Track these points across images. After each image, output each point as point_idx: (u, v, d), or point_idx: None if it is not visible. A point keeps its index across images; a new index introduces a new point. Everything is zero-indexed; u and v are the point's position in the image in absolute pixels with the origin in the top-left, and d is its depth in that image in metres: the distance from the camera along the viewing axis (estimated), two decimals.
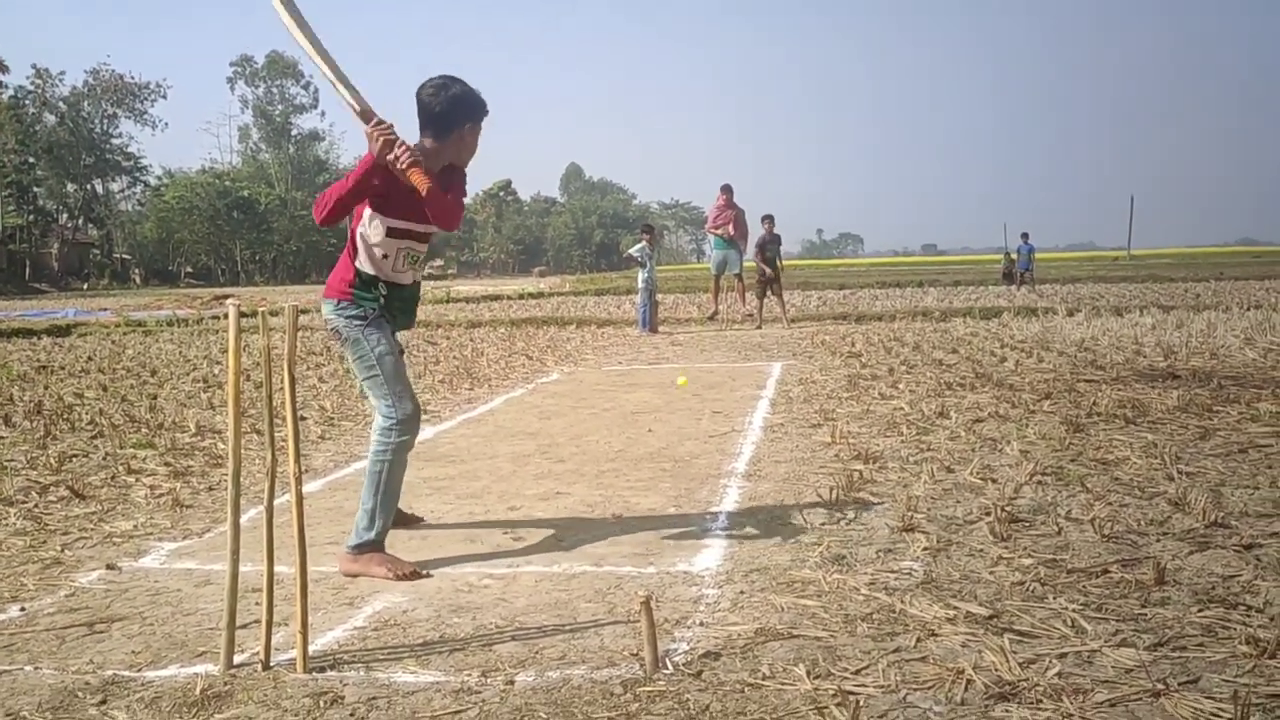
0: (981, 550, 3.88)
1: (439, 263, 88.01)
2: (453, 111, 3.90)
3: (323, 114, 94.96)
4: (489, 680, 2.84)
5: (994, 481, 4.96)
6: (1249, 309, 16.03)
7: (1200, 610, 3.16)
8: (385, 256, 3.92)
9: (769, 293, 16.95)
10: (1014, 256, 28.81)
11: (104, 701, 2.78)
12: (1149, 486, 4.77)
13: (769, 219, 17.46)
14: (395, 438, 3.91)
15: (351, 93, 3.81)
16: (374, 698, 2.75)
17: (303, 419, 7.41)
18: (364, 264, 3.93)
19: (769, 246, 17.00)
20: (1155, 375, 8.56)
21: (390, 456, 3.91)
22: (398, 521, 4.24)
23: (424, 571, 3.86)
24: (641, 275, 16.07)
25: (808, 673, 2.78)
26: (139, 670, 3.01)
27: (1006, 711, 2.52)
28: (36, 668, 3.04)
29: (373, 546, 3.88)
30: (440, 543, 4.32)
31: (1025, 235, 27.81)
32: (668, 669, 2.85)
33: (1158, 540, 3.93)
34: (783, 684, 2.73)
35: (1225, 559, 3.68)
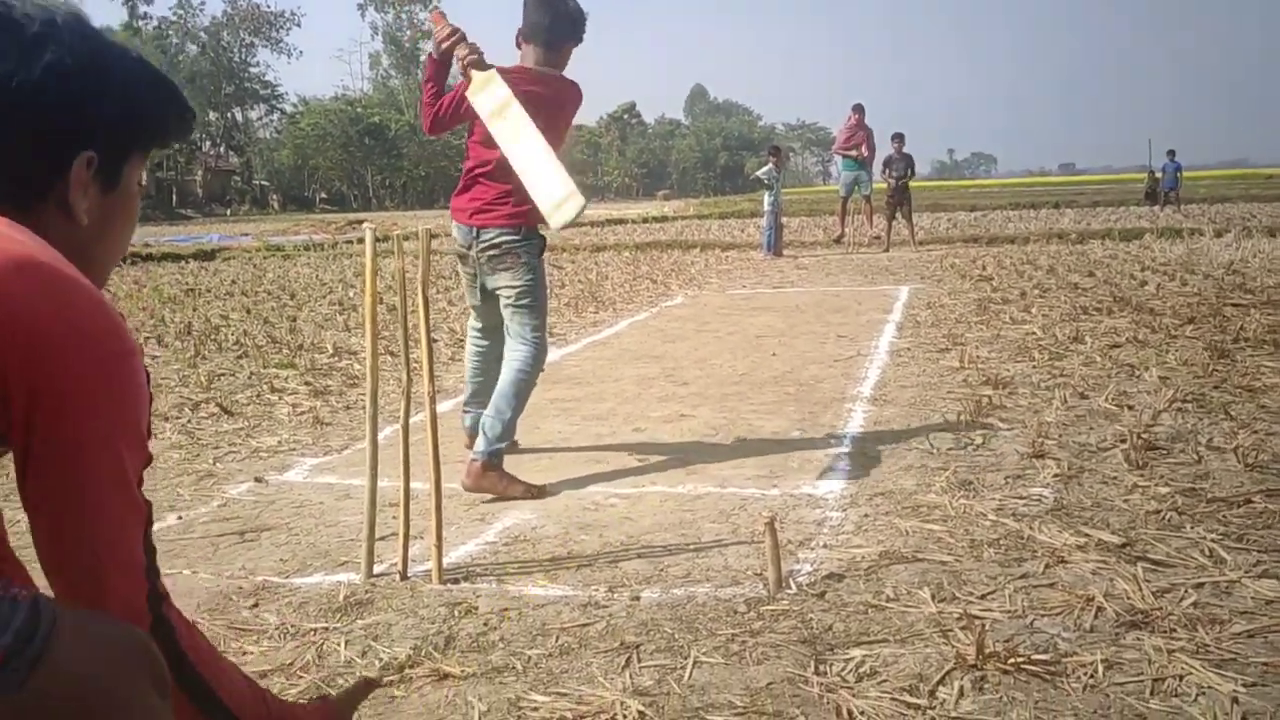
0: (1115, 478, 3.78)
1: None
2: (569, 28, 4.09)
3: None
4: (615, 595, 2.92)
5: (1130, 408, 4.81)
6: None
7: None
8: None
9: (897, 215, 16.57)
10: (1158, 175, 27.50)
11: (256, 605, 2.95)
12: None
13: (899, 137, 16.99)
14: (539, 359, 4.11)
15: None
16: (505, 609, 2.85)
17: (434, 341, 7.60)
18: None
19: (895, 164, 16.57)
20: None
21: (532, 376, 4.10)
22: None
23: (549, 491, 3.95)
24: (767, 198, 15.89)
25: (932, 596, 2.78)
26: (287, 577, 3.18)
27: (1138, 639, 2.48)
28: (195, 572, 3.25)
29: (498, 461, 3.95)
30: (567, 462, 4.42)
31: (1171, 153, 26.47)
32: (791, 589, 2.88)
33: None
34: (906, 607, 2.73)
35: None
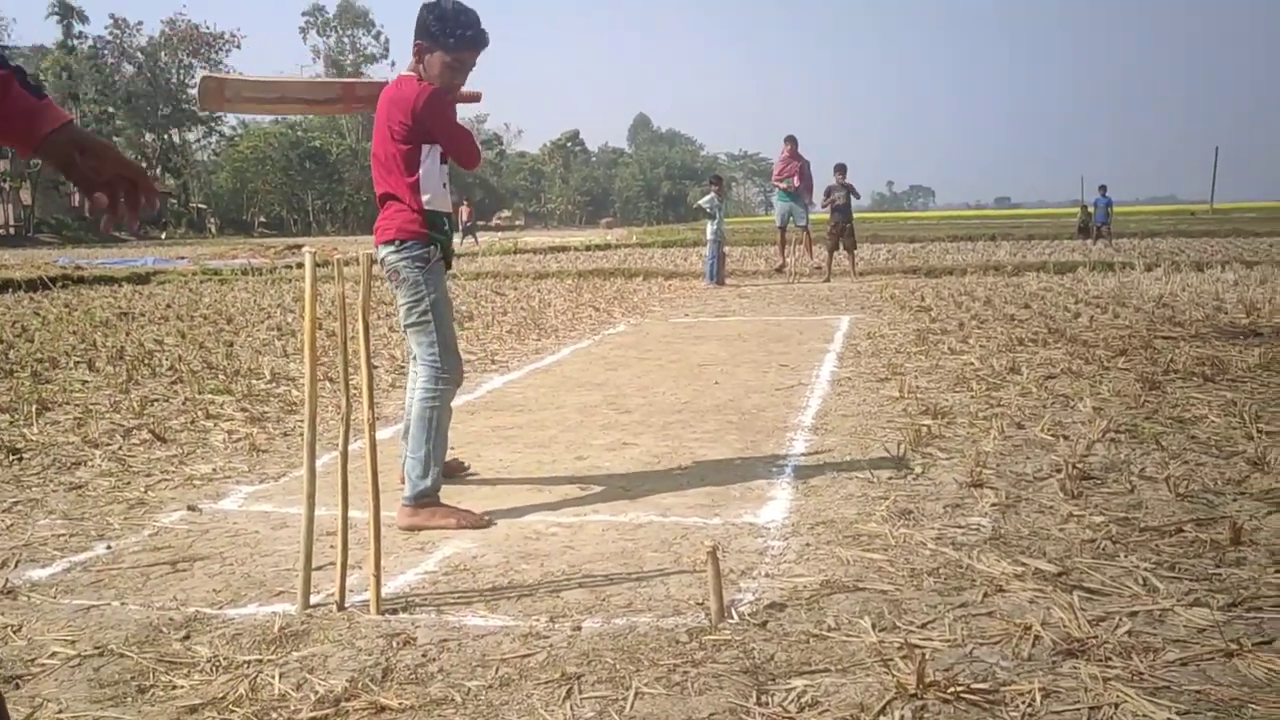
0: (1051, 507, 3.84)
1: (506, 214, 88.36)
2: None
3: (393, 64, 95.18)
4: (557, 625, 2.89)
5: (1065, 438, 4.89)
6: None
7: (1277, 571, 3.10)
8: (444, 185, 3.98)
9: (839, 245, 16.77)
10: (1090, 210, 28.12)
11: (187, 636, 2.88)
12: (1227, 445, 4.67)
13: (841, 168, 17.22)
14: (442, 385, 3.95)
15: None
16: (445, 640, 2.81)
17: (375, 367, 7.53)
18: (429, 199, 3.93)
19: (836, 193, 16.78)
20: (1236, 332, 8.33)
21: (439, 402, 3.95)
22: (447, 470, 4.22)
23: (488, 520, 3.91)
24: (710, 227, 15.99)
25: (873, 625, 2.79)
26: (220, 608, 3.11)
27: (1074, 668, 2.51)
28: (123, 603, 3.16)
29: (430, 497, 3.90)
30: (508, 491, 4.38)
31: (1103, 188, 27.09)
32: (733, 619, 2.87)
33: (1234, 500, 3.86)
34: (848, 636, 2.74)
35: None
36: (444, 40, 3.90)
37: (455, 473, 4.54)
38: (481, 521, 3.88)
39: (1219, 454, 4.54)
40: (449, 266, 4.12)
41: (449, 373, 3.97)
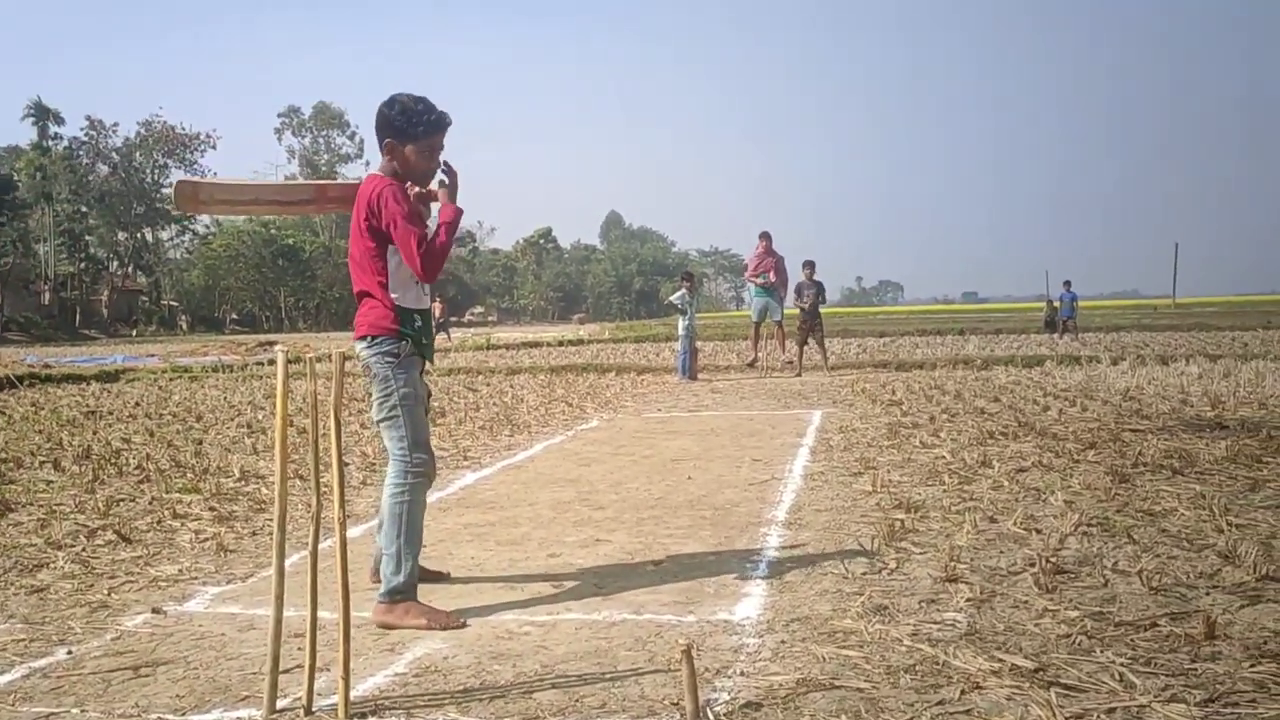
0: (1026, 602, 3.83)
1: (479, 309, 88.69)
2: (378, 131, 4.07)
3: (367, 163, 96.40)
4: None
5: (1038, 532, 4.90)
6: None
7: (1252, 665, 3.10)
8: (417, 281, 4.01)
9: (809, 340, 16.93)
10: (1056, 304, 28.60)
11: None
12: (1197, 538, 4.69)
13: (809, 265, 17.47)
14: (411, 479, 3.95)
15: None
16: None
17: (346, 464, 7.47)
18: (400, 296, 3.98)
19: (805, 292, 17.01)
20: (1202, 425, 8.43)
21: (409, 497, 3.94)
22: (425, 578, 4.21)
23: (461, 620, 3.86)
24: (682, 323, 16.12)
25: None
26: (183, 714, 3.03)
27: None
28: (83, 711, 3.08)
29: (405, 593, 3.87)
30: (480, 590, 4.33)
31: (1068, 283, 27.61)
32: (709, 719, 2.83)
33: (1207, 594, 3.86)
34: None
35: (1278, 612, 3.60)
36: (411, 132, 4.00)
37: (436, 580, 4.44)
38: (455, 622, 3.82)
39: (1190, 547, 4.56)
40: (428, 362, 4.16)
41: (419, 468, 3.97)
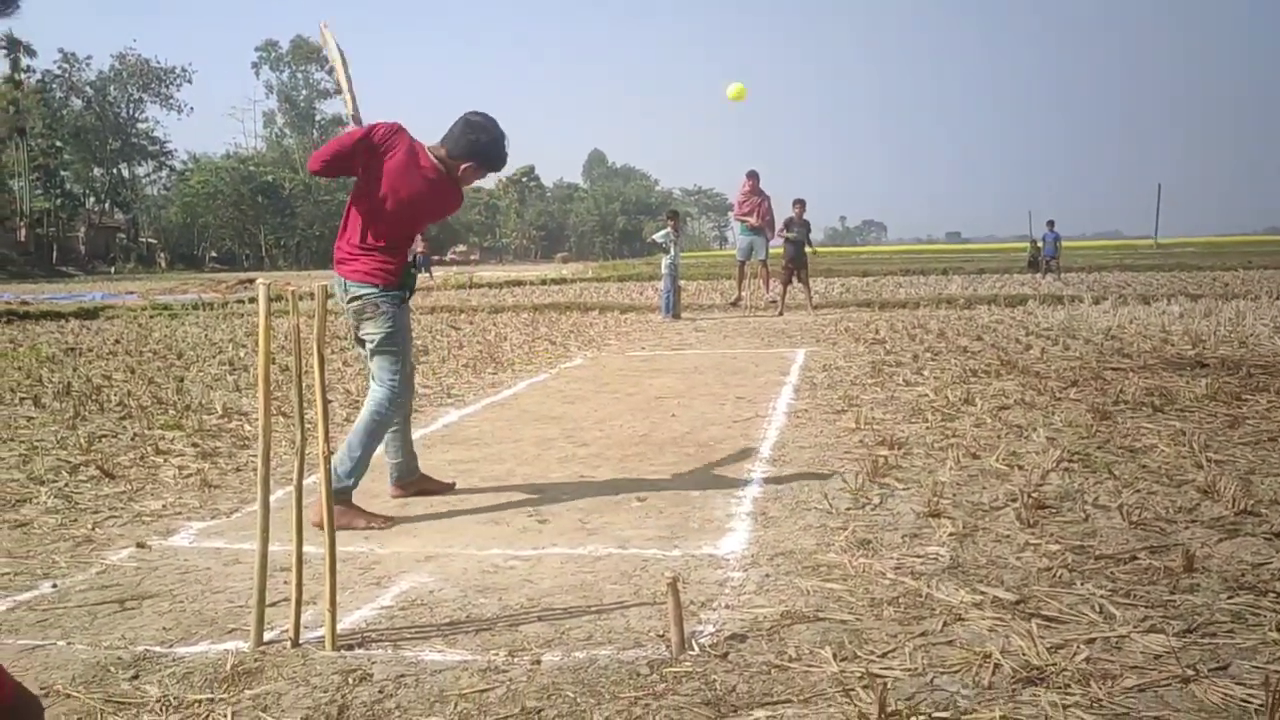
0: (1008, 536, 3.86)
1: (461, 248, 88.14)
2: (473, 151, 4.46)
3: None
4: (515, 660, 2.86)
5: (1020, 468, 4.94)
6: (1278, 297, 15.85)
7: (1230, 597, 3.14)
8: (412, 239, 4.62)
9: (795, 279, 16.90)
10: (1039, 245, 28.60)
11: (136, 676, 2.81)
12: (1177, 474, 4.74)
13: (800, 202, 17.35)
14: (393, 408, 4.44)
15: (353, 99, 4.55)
16: (401, 675, 2.77)
17: (330, 401, 7.44)
18: (404, 253, 4.48)
19: (794, 228, 16.93)
20: (1183, 363, 8.48)
21: (389, 413, 4.43)
22: (432, 489, 4.83)
23: (391, 521, 4.30)
24: (665, 261, 16.05)
25: (834, 655, 2.78)
26: (170, 646, 3.04)
27: (1035, 695, 2.51)
28: (70, 643, 3.08)
29: (345, 496, 4.25)
30: (465, 525, 4.34)
31: (1051, 223, 27.57)
32: (694, 650, 2.85)
33: (1186, 528, 3.91)
34: (809, 666, 2.73)
35: (1255, 546, 3.65)
36: (478, 157, 4.52)
37: (443, 491, 4.90)
38: (388, 524, 4.26)
39: (1170, 482, 4.60)
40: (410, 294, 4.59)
41: (405, 393, 4.50)
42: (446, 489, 4.90)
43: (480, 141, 4.42)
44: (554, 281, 29.77)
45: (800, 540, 3.92)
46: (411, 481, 4.79)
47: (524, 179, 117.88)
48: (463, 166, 4.43)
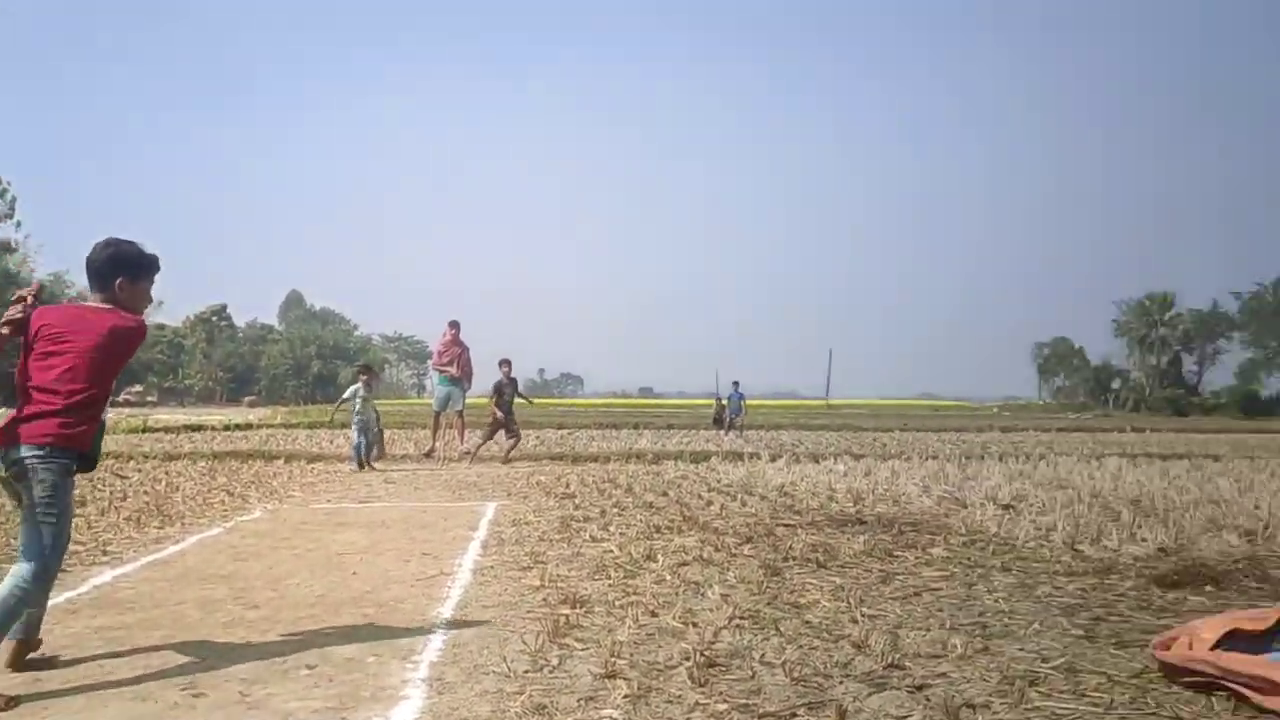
0: (680, 696, 3.94)
1: (138, 388, 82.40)
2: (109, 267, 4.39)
3: (18, 224, 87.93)
4: None
5: (695, 625, 5.08)
6: (927, 459, 17.45)
7: None
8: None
9: (499, 434, 16.80)
10: (724, 403, 30.21)
11: None
12: (835, 629, 5.03)
13: (506, 363, 17.39)
14: (38, 584, 4.15)
15: None
16: None
17: None
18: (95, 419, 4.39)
19: (506, 389, 16.88)
20: (845, 520, 9.11)
21: (32, 593, 4.12)
22: (32, 665, 4.35)
23: (13, 702, 3.85)
24: (357, 404, 15.59)
25: None
26: None
27: None
28: None
29: None
30: (107, 701, 3.94)
31: (736, 383, 29.28)
32: None
33: (840, 683, 4.13)
34: None
35: (899, 700, 3.91)
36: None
37: (41, 666, 4.41)
38: (11, 704, 3.83)
39: (829, 637, 4.88)
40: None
41: (51, 574, 4.23)
42: (50, 664, 4.43)
43: (111, 255, 4.40)
44: (239, 427, 28.31)
45: (476, 707, 3.83)
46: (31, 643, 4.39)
47: (214, 317, 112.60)
48: (117, 282, 4.38)
